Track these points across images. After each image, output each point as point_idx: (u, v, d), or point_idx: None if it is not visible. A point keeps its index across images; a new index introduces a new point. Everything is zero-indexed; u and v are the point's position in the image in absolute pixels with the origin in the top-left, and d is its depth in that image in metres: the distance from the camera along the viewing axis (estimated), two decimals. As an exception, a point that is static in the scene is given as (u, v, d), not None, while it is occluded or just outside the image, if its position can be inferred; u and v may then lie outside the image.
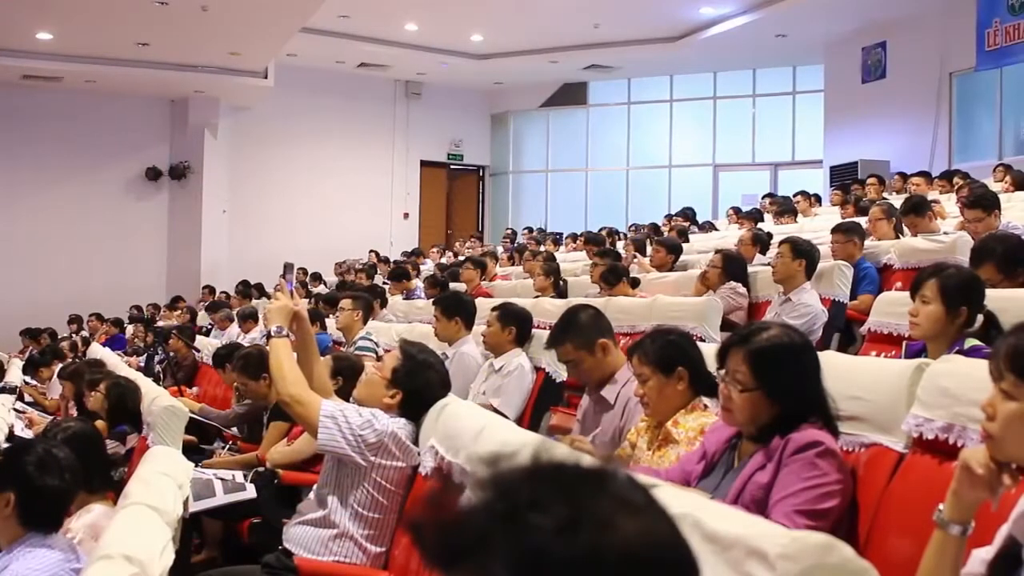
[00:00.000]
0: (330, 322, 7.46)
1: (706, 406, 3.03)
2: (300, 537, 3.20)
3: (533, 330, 5.01)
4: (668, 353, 3.01)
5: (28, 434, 5.28)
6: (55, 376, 8.87)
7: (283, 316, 3.32)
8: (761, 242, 7.51)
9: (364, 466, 3.11)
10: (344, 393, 3.82)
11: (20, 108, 16.30)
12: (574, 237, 13.52)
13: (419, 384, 3.25)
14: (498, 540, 0.82)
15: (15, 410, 6.43)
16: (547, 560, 0.81)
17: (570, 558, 0.81)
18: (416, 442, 3.18)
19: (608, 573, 0.81)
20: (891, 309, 4.27)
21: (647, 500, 0.88)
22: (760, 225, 10.01)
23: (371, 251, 16.20)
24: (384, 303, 8.60)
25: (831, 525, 2.19)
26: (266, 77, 16.32)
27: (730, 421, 2.51)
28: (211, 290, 15.61)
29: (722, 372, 2.49)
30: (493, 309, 5.06)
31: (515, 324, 4.89)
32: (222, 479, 4.03)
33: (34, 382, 9.29)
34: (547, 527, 0.82)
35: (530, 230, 16.19)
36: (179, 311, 13.55)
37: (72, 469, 2.86)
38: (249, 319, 10.48)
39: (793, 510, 2.20)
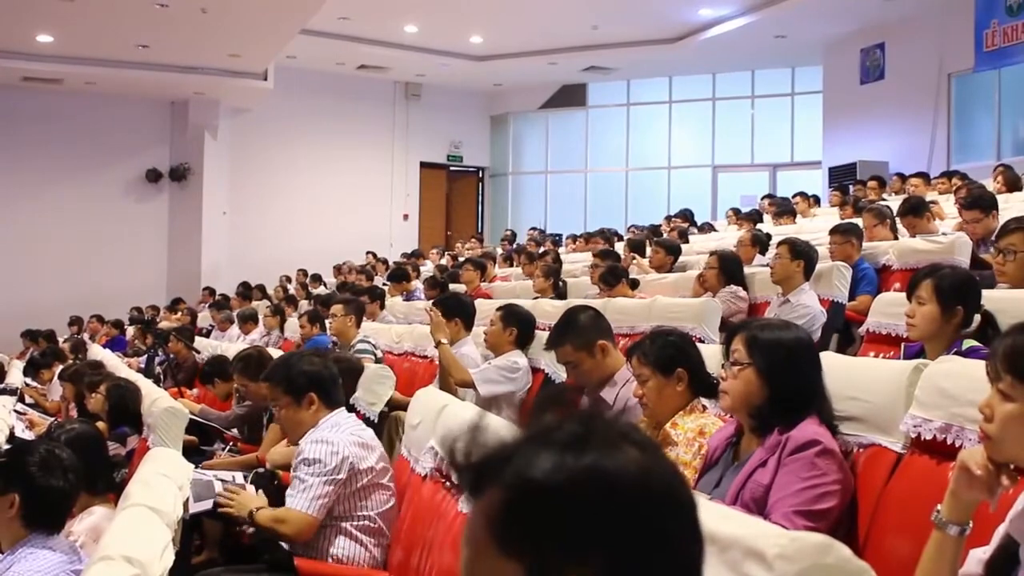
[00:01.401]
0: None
1: (705, 407, 3.04)
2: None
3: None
4: (668, 354, 3.02)
5: (29, 435, 5.28)
6: (56, 378, 8.87)
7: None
8: (760, 243, 7.50)
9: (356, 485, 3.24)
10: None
11: (20, 110, 16.30)
12: (574, 238, 13.52)
13: (307, 375, 3.40)
14: (518, 455, 0.91)
15: (16, 412, 6.43)
16: (552, 471, 0.89)
17: (584, 469, 0.89)
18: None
19: (604, 489, 0.88)
20: (889, 310, 4.27)
21: (655, 447, 0.96)
22: (759, 226, 10.00)
23: (368, 252, 16.18)
24: (383, 305, 8.60)
25: (830, 525, 2.20)
26: (266, 79, 16.33)
27: (725, 404, 2.56)
28: (211, 291, 15.61)
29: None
30: (498, 309, 5.07)
31: (516, 325, 4.89)
32: (222, 480, 4.03)
33: (35, 384, 9.28)
34: (559, 441, 0.91)
35: (535, 230, 16.16)
36: (179, 312, 13.56)
37: (75, 470, 2.87)
38: (249, 321, 10.49)
39: (792, 510, 2.21)
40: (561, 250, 12.68)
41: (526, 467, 0.89)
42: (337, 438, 3.24)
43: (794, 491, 2.24)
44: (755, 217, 11.18)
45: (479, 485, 0.93)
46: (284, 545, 3.28)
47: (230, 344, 8.90)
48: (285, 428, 3.51)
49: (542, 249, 11.65)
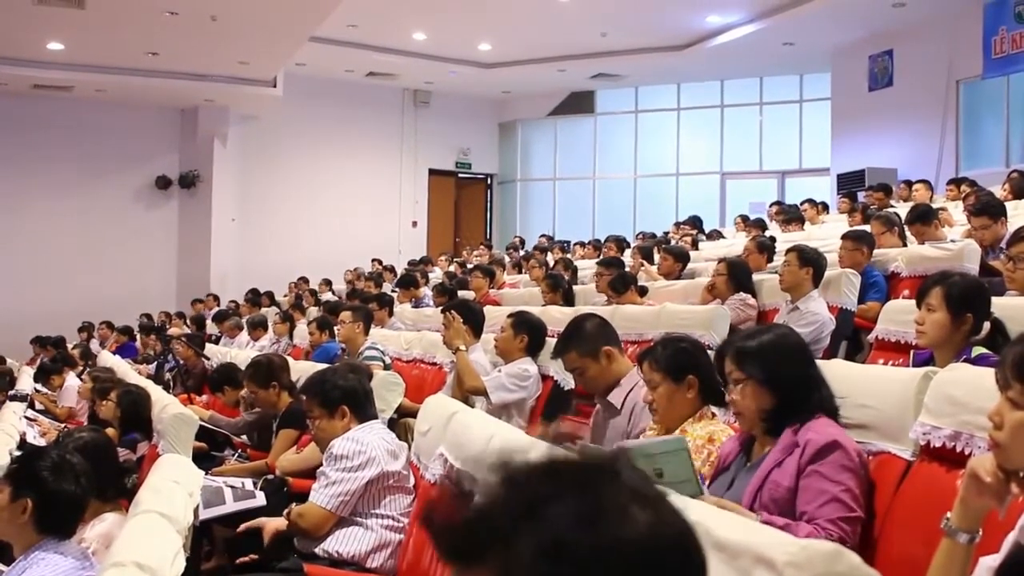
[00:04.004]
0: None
1: (714, 414, 3.04)
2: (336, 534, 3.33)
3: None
4: (679, 361, 3.03)
5: (41, 441, 5.30)
6: (66, 383, 8.90)
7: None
8: (765, 248, 7.43)
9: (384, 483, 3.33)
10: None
11: (31, 117, 16.36)
12: (582, 244, 13.51)
13: (341, 390, 3.55)
14: (520, 534, 0.84)
15: (26, 418, 6.45)
16: (570, 550, 0.83)
17: (592, 548, 0.84)
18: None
19: (626, 562, 0.84)
20: (898, 317, 4.27)
21: (656, 493, 0.91)
22: (767, 233, 9.96)
23: (373, 260, 16.17)
24: (392, 311, 8.60)
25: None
26: (275, 86, 16.36)
27: (743, 424, 2.58)
28: (216, 298, 15.63)
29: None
30: (509, 316, 5.04)
31: (527, 333, 4.86)
32: (232, 487, 4.04)
33: (45, 390, 9.31)
34: (567, 518, 0.85)
35: (545, 237, 16.14)
36: (194, 312, 13.62)
37: (87, 475, 2.89)
38: (258, 327, 10.51)
39: (837, 517, 2.25)
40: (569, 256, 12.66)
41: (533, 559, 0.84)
42: (367, 439, 3.35)
43: (830, 498, 2.27)
44: (763, 224, 11.17)
45: (469, 564, 0.87)
46: (296, 544, 3.33)
47: (239, 351, 8.92)
48: (319, 440, 3.58)
49: (549, 257, 11.62)
